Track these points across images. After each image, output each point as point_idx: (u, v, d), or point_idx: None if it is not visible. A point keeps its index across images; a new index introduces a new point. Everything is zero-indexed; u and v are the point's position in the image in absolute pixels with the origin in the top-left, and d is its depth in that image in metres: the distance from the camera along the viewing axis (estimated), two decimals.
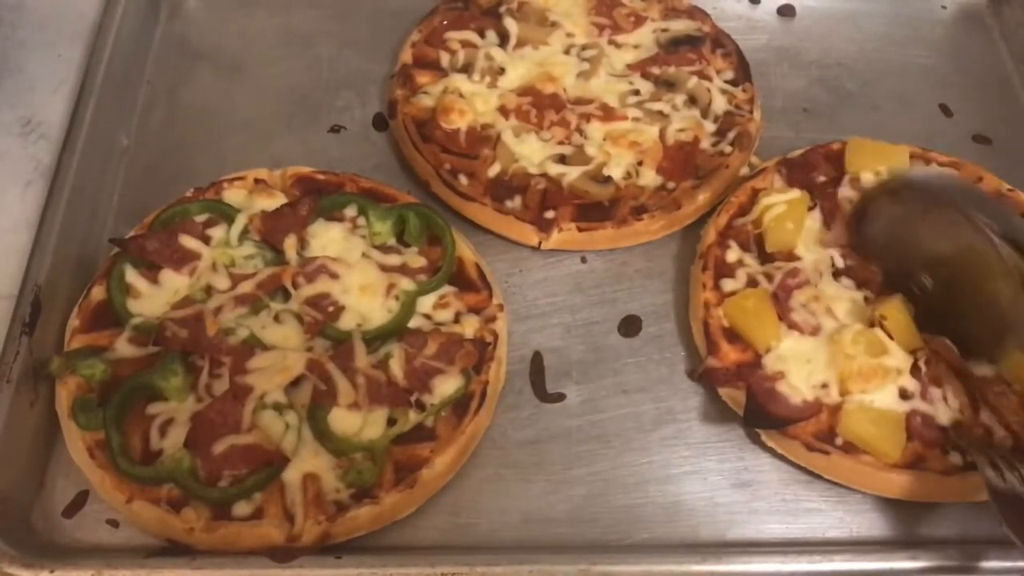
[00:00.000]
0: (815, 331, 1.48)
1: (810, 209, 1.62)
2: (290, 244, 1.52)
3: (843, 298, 1.52)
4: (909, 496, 1.40)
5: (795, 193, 1.62)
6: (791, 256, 1.57)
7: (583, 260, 1.67)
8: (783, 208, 1.60)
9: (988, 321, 1.41)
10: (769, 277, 1.54)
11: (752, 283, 1.55)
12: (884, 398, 1.42)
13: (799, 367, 1.45)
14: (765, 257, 1.58)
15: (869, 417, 1.40)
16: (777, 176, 1.67)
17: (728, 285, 1.55)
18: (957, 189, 1.55)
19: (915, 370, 1.44)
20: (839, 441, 1.41)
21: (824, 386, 1.44)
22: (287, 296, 1.48)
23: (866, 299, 1.53)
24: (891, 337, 1.45)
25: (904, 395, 1.43)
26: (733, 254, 1.59)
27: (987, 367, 1.46)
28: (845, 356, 1.43)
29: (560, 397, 1.52)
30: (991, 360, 1.44)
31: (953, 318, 1.45)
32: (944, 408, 1.43)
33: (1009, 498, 1.27)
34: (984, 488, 1.33)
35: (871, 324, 1.47)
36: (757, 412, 1.42)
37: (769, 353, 1.47)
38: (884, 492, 1.41)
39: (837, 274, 1.56)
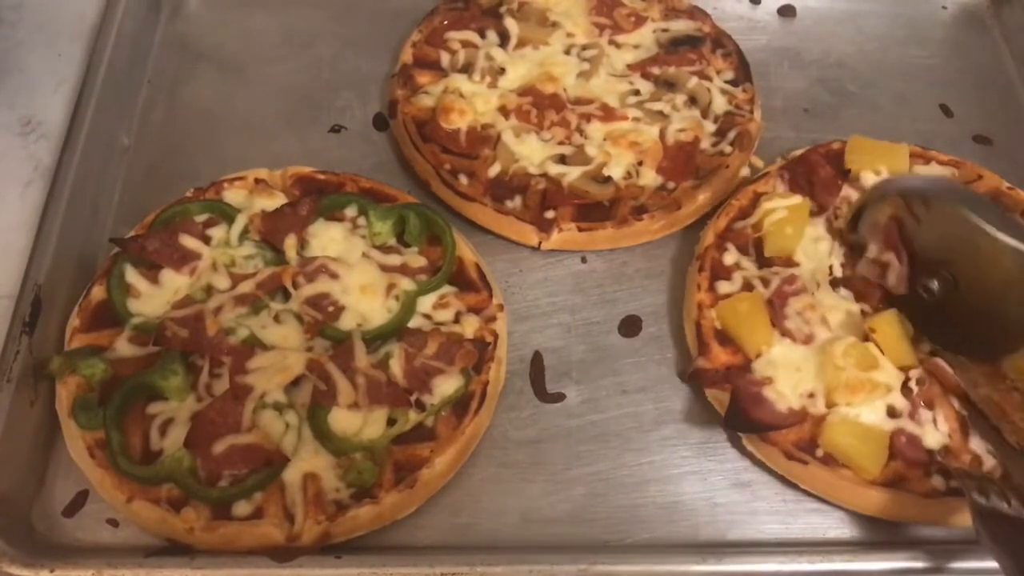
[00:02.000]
0: (808, 340, 1.48)
1: (813, 215, 1.61)
2: (290, 244, 1.52)
3: (839, 309, 1.52)
4: (886, 515, 1.39)
5: (797, 199, 1.62)
6: (789, 262, 1.57)
7: (583, 260, 1.67)
8: (784, 213, 1.60)
9: (996, 319, 1.41)
10: (765, 282, 1.54)
11: (748, 287, 1.54)
12: (871, 414, 1.41)
13: (788, 374, 1.45)
14: (763, 262, 1.58)
15: (852, 430, 1.39)
16: (779, 181, 1.67)
17: (723, 287, 1.55)
18: (953, 190, 1.53)
19: (907, 389, 1.43)
20: (819, 452, 1.40)
21: (811, 395, 1.43)
22: (287, 296, 1.48)
23: (863, 312, 1.52)
24: (882, 351, 1.45)
25: (892, 413, 1.42)
26: (730, 257, 1.59)
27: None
28: (835, 367, 1.42)
29: (560, 397, 1.52)
30: (994, 359, 1.43)
31: (958, 320, 1.44)
32: (933, 431, 1.41)
33: (995, 520, 1.25)
34: (963, 514, 1.32)
35: (865, 338, 1.47)
36: (738, 415, 1.41)
37: (759, 358, 1.47)
38: (860, 508, 1.40)
39: (835, 283, 1.56)
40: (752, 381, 1.44)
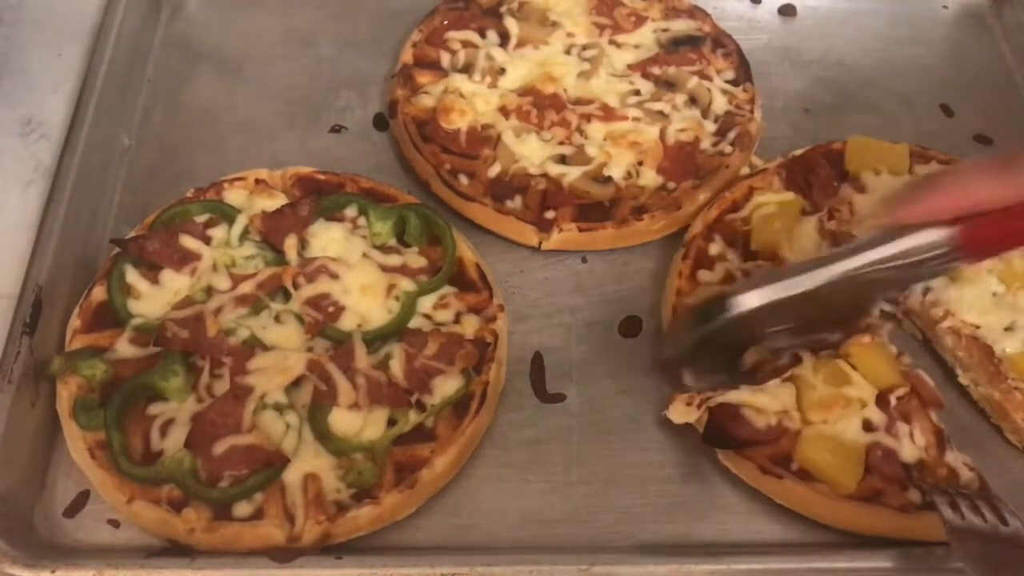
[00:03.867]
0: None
1: (806, 214, 1.61)
2: (290, 244, 1.52)
3: None
4: (861, 529, 1.37)
5: (789, 196, 1.62)
6: (775, 257, 1.56)
7: (584, 260, 1.67)
8: (773, 208, 1.60)
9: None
10: (747, 275, 1.54)
11: (729, 278, 1.54)
12: (846, 428, 1.40)
13: (762, 396, 1.43)
14: (748, 255, 1.58)
15: (826, 445, 1.38)
16: (776, 178, 1.67)
17: (704, 276, 1.55)
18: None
19: (883, 403, 1.42)
20: (794, 467, 1.38)
21: (786, 411, 1.42)
22: (287, 296, 1.49)
23: None
24: (864, 376, 1.44)
25: (868, 427, 1.40)
26: (716, 247, 1.59)
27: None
28: (806, 384, 1.42)
29: (560, 397, 1.52)
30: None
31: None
32: (909, 445, 1.40)
33: (969, 537, 1.24)
34: (940, 528, 1.31)
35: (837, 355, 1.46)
36: (717, 432, 1.40)
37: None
38: (836, 523, 1.38)
39: None
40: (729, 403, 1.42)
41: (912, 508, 1.36)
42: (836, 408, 1.40)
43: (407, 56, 1.84)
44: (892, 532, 1.36)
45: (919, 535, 1.36)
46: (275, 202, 1.58)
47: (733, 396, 1.41)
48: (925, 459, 1.40)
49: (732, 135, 1.74)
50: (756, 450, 1.40)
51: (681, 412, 1.42)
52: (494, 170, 1.69)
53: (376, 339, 1.45)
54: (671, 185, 1.69)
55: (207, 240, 1.53)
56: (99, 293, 1.49)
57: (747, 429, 1.40)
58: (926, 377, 1.47)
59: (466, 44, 1.84)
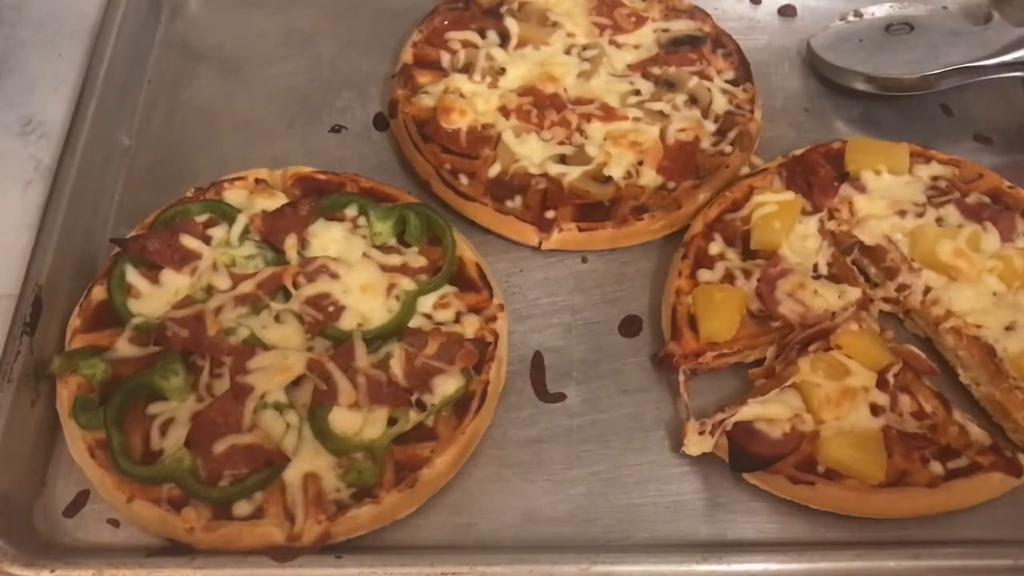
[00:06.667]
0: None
1: (805, 214, 1.61)
2: (291, 244, 1.52)
3: (831, 289, 1.52)
4: (897, 514, 1.38)
5: (789, 195, 1.62)
6: (774, 256, 1.56)
7: (584, 260, 1.67)
8: (774, 208, 1.60)
9: None
10: (747, 274, 1.55)
11: (729, 277, 1.55)
12: (858, 419, 1.40)
13: (772, 404, 1.43)
14: (748, 255, 1.58)
15: (847, 441, 1.38)
16: (777, 178, 1.67)
17: (704, 275, 1.56)
18: None
19: (882, 383, 1.43)
20: (821, 469, 1.38)
21: (797, 415, 1.42)
22: (288, 296, 1.49)
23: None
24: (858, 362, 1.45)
25: (875, 411, 1.42)
26: (716, 247, 1.59)
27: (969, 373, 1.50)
28: (809, 384, 1.42)
29: (560, 397, 1.52)
30: None
31: None
32: (918, 414, 1.42)
33: None
34: (969, 493, 1.34)
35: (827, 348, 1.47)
36: (742, 456, 1.40)
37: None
38: (875, 514, 1.38)
39: (817, 280, 1.55)
40: (741, 421, 1.42)
41: (939, 481, 1.37)
42: (845, 402, 1.41)
43: (407, 56, 1.84)
44: (927, 510, 1.38)
45: (953, 506, 1.38)
46: (275, 202, 1.58)
47: (743, 413, 1.41)
48: (935, 423, 1.41)
49: (732, 135, 1.74)
50: (782, 463, 1.39)
51: (697, 443, 1.42)
52: (494, 170, 1.69)
53: (376, 339, 1.45)
54: (671, 185, 1.69)
55: (207, 240, 1.53)
56: (99, 293, 1.49)
57: (766, 443, 1.40)
58: (914, 348, 1.48)
59: (466, 44, 1.85)
